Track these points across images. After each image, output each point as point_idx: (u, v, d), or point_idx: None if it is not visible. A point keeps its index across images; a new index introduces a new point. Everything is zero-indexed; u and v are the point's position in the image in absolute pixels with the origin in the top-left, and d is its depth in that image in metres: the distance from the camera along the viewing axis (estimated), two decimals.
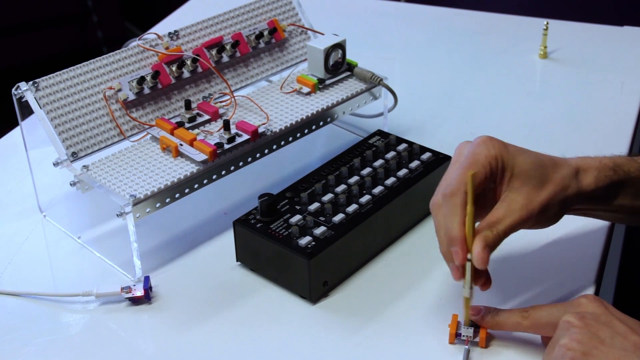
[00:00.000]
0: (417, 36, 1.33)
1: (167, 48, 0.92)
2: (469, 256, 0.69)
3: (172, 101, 0.92)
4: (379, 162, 0.88)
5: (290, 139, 0.92)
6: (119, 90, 0.88)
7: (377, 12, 1.43)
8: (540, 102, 1.14)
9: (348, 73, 0.99)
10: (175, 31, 0.94)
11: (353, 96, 0.96)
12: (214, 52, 0.95)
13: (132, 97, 0.89)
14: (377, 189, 0.84)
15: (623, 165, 0.75)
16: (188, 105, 0.90)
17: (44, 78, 0.84)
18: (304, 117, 0.92)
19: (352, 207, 0.81)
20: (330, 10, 1.40)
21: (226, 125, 0.86)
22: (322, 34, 0.99)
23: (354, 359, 0.73)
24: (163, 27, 1.34)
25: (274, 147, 0.90)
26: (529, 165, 0.71)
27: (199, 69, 0.93)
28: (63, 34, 2.64)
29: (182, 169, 0.83)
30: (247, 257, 0.82)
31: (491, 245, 0.69)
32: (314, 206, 0.82)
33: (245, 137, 0.87)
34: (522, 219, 0.70)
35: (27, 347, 0.75)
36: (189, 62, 0.92)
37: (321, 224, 0.79)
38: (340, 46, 0.97)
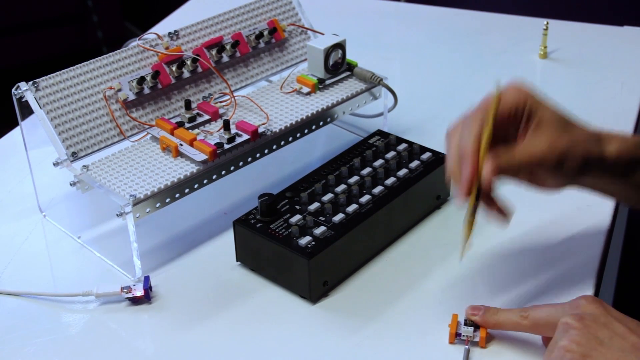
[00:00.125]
0: (417, 36, 1.33)
1: (167, 48, 0.92)
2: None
3: (172, 101, 0.92)
4: (379, 162, 0.88)
5: (290, 139, 0.92)
6: (119, 90, 0.88)
7: (377, 12, 1.43)
8: None
9: (348, 73, 0.99)
10: (175, 31, 0.94)
11: (353, 96, 0.96)
12: (214, 52, 0.95)
13: (132, 97, 0.89)
14: (377, 189, 0.84)
15: None
16: (188, 105, 0.90)
17: (44, 78, 0.84)
18: (304, 117, 0.92)
19: (352, 207, 0.81)
20: (330, 10, 1.40)
21: (226, 125, 0.86)
22: (322, 34, 0.99)
23: (353, 359, 0.73)
24: (163, 27, 1.34)
25: (274, 147, 0.90)
26: (555, 116, 0.71)
27: (199, 69, 0.93)
28: (63, 34, 2.64)
29: (182, 169, 0.83)
30: (247, 257, 0.82)
31: (502, 169, 0.68)
32: (314, 206, 0.82)
33: (245, 137, 0.87)
34: (541, 156, 0.69)
35: (27, 347, 0.75)
36: (189, 62, 0.92)
37: (321, 223, 0.79)
38: (340, 46, 0.97)
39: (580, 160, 0.71)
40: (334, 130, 1.06)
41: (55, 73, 0.85)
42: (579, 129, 0.72)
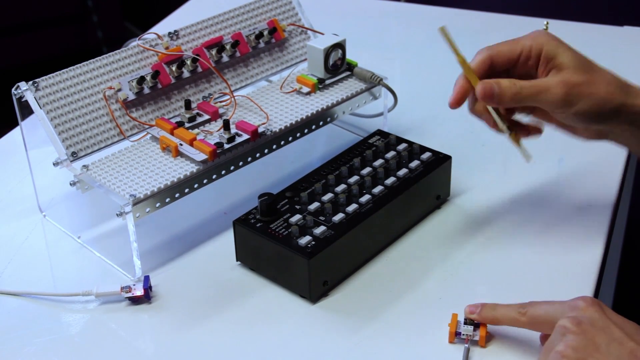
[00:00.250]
0: (417, 36, 1.33)
1: (167, 48, 0.92)
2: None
3: (172, 101, 0.92)
4: (379, 162, 0.88)
5: (290, 138, 0.92)
6: (119, 90, 0.88)
7: (377, 12, 1.43)
8: None
9: (348, 73, 0.99)
10: (175, 31, 0.94)
11: (353, 96, 0.96)
12: (213, 52, 0.95)
13: (132, 97, 0.89)
14: (377, 189, 0.84)
15: None
16: (188, 105, 0.90)
17: (44, 78, 0.84)
18: (304, 117, 0.92)
19: (352, 207, 0.81)
20: (330, 10, 1.40)
21: (226, 125, 0.86)
22: (322, 34, 0.99)
23: (353, 359, 0.73)
24: (163, 27, 1.34)
25: (274, 147, 0.90)
26: (574, 59, 0.77)
27: (199, 69, 0.93)
28: (63, 34, 2.64)
29: (182, 169, 0.83)
30: (247, 256, 0.82)
31: (500, 84, 0.76)
32: (314, 206, 0.82)
33: (245, 137, 0.87)
34: (545, 88, 0.76)
35: (27, 347, 0.75)
36: (188, 62, 0.92)
37: (321, 223, 0.79)
38: (340, 46, 0.97)
39: (597, 101, 0.76)
40: (334, 130, 1.06)
41: (55, 73, 0.85)
42: (600, 73, 0.78)
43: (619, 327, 0.64)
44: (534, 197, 0.93)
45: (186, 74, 0.93)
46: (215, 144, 0.85)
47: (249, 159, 0.88)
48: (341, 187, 0.84)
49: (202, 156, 0.84)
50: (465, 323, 0.73)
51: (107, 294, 0.79)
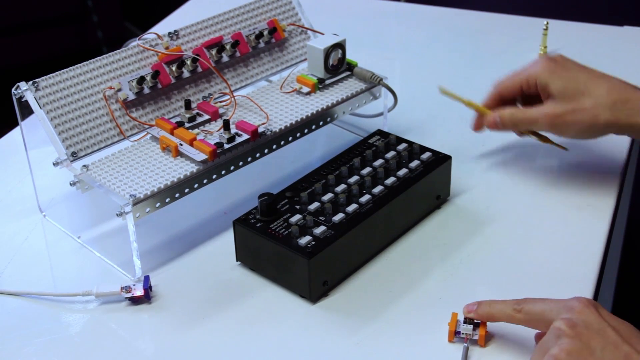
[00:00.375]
0: (417, 36, 1.33)
1: (167, 48, 0.92)
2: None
3: (172, 101, 0.92)
4: (379, 162, 0.88)
5: (290, 138, 0.92)
6: (119, 90, 0.88)
7: (377, 12, 1.43)
8: None
9: (348, 73, 0.99)
10: (175, 31, 0.94)
11: (353, 96, 0.96)
12: (213, 52, 0.95)
13: (132, 97, 0.89)
14: (377, 189, 0.84)
15: None
16: (188, 105, 0.90)
17: (44, 78, 0.84)
18: (304, 117, 0.92)
19: (352, 207, 0.81)
20: (330, 10, 1.40)
21: (226, 125, 0.86)
22: (322, 34, 0.99)
23: (353, 359, 0.73)
24: (163, 27, 1.34)
25: (274, 147, 0.90)
26: (561, 91, 0.87)
27: (199, 69, 0.93)
28: (63, 34, 2.64)
29: (182, 169, 0.83)
30: (247, 256, 0.82)
31: (505, 119, 0.91)
32: (314, 206, 0.82)
33: (245, 136, 0.87)
34: (533, 120, 0.88)
35: (27, 347, 0.75)
36: (188, 62, 0.92)
37: (321, 223, 0.79)
38: (340, 46, 0.97)
39: (583, 127, 0.86)
40: (334, 130, 1.06)
41: (55, 73, 0.85)
42: (588, 96, 0.86)
43: (615, 329, 0.64)
44: (534, 197, 0.93)
45: (186, 74, 0.93)
46: (215, 144, 0.85)
47: (249, 159, 0.88)
48: (341, 187, 0.84)
49: (202, 156, 0.84)
50: (465, 322, 0.73)
51: (107, 294, 0.79)
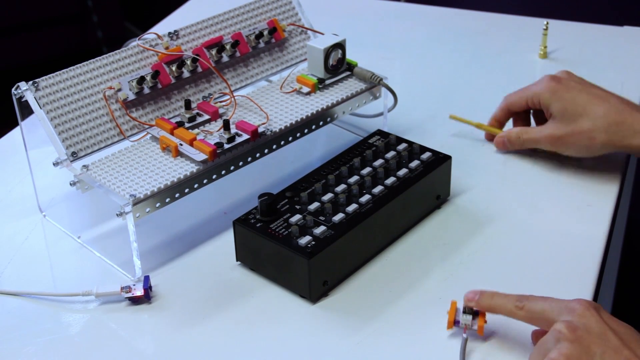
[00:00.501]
0: (417, 36, 1.33)
1: (167, 48, 0.92)
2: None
3: (172, 101, 0.92)
4: (378, 162, 0.88)
5: (290, 138, 0.92)
6: (119, 90, 0.88)
7: (377, 12, 1.43)
8: None
9: (348, 73, 0.99)
10: (175, 31, 0.94)
11: (353, 96, 0.96)
12: (213, 52, 0.95)
13: (132, 97, 0.89)
14: (377, 189, 0.84)
15: None
16: (188, 105, 0.90)
17: (44, 78, 0.84)
18: (304, 117, 0.92)
19: (352, 207, 0.81)
20: (330, 10, 1.40)
21: (226, 125, 0.86)
22: (322, 34, 0.99)
23: (354, 359, 0.73)
24: (163, 27, 1.34)
25: (274, 147, 0.90)
26: (561, 113, 0.92)
27: (199, 69, 0.93)
28: (63, 34, 2.64)
29: (182, 169, 0.83)
30: (247, 256, 0.82)
31: (512, 139, 0.97)
32: (314, 206, 0.82)
33: (245, 136, 0.87)
34: (536, 141, 0.94)
35: (27, 347, 0.75)
36: (188, 62, 0.92)
37: (321, 223, 0.79)
38: (340, 46, 0.97)
39: (582, 148, 0.91)
40: (334, 130, 1.06)
41: (55, 73, 0.85)
42: (587, 118, 0.90)
43: (616, 333, 0.64)
44: (534, 197, 0.93)
45: (186, 74, 0.93)
46: (215, 144, 0.85)
47: (249, 159, 0.88)
48: (341, 187, 0.84)
49: (202, 156, 0.84)
50: (464, 312, 0.73)
51: (107, 294, 0.79)
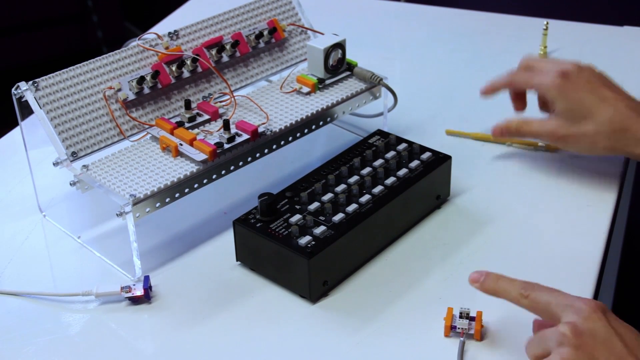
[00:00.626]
0: (417, 36, 1.33)
1: (167, 48, 0.92)
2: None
3: (172, 101, 0.92)
4: (378, 162, 0.88)
5: (290, 138, 0.92)
6: (119, 90, 0.88)
7: (377, 12, 1.43)
8: None
9: (348, 73, 0.99)
10: (175, 31, 0.94)
11: (353, 96, 0.96)
12: (213, 52, 0.95)
13: (132, 97, 0.89)
14: (377, 189, 0.84)
15: None
16: (188, 105, 0.90)
17: (43, 78, 0.84)
18: (304, 117, 0.92)
19: (352, 207, 0.81)
20: (330, 10, 1.40)
21: (226, 125, 0.86)
22: (322, 34, 0.99)
23: (354, 359, 0.73)
24: (163, 27, 1.34)
25: (274, 147, 0.90)
26: (567, 110, 0.89)
27: (199, 69, 0.93)
28: (63, 34, 2.64)
29: (182, 169, 0.83)
30: (247, 256, 0.82)
31: (509, 127, 0.94)
32: (314, 206, 0.82)
33: (245, 136, 0.87)
34: (538, 135, 0.92)
35: (27, 347, 0.75)
36: (188, 62, 0.92)
37: (321, 223, 0.79)
38: (340, 46, 0.97)
39: (583, 150, 0.90)
40: (334, 130, 1.06)
41: (55, 73, 0.85)
42: (590, 122, 0.88)
43: (621, 339, 0.62)
44: (534, 197, 0.93)
45: (186, 74, 0.93)
46: (215, 144, 0.85)
47: (249, 159, 0.88)
48: (341, 187, 0.84)
49: (202, 156, 0.84)
50: (460, 317, 0.73)
51: (107, 294, 0.79)
